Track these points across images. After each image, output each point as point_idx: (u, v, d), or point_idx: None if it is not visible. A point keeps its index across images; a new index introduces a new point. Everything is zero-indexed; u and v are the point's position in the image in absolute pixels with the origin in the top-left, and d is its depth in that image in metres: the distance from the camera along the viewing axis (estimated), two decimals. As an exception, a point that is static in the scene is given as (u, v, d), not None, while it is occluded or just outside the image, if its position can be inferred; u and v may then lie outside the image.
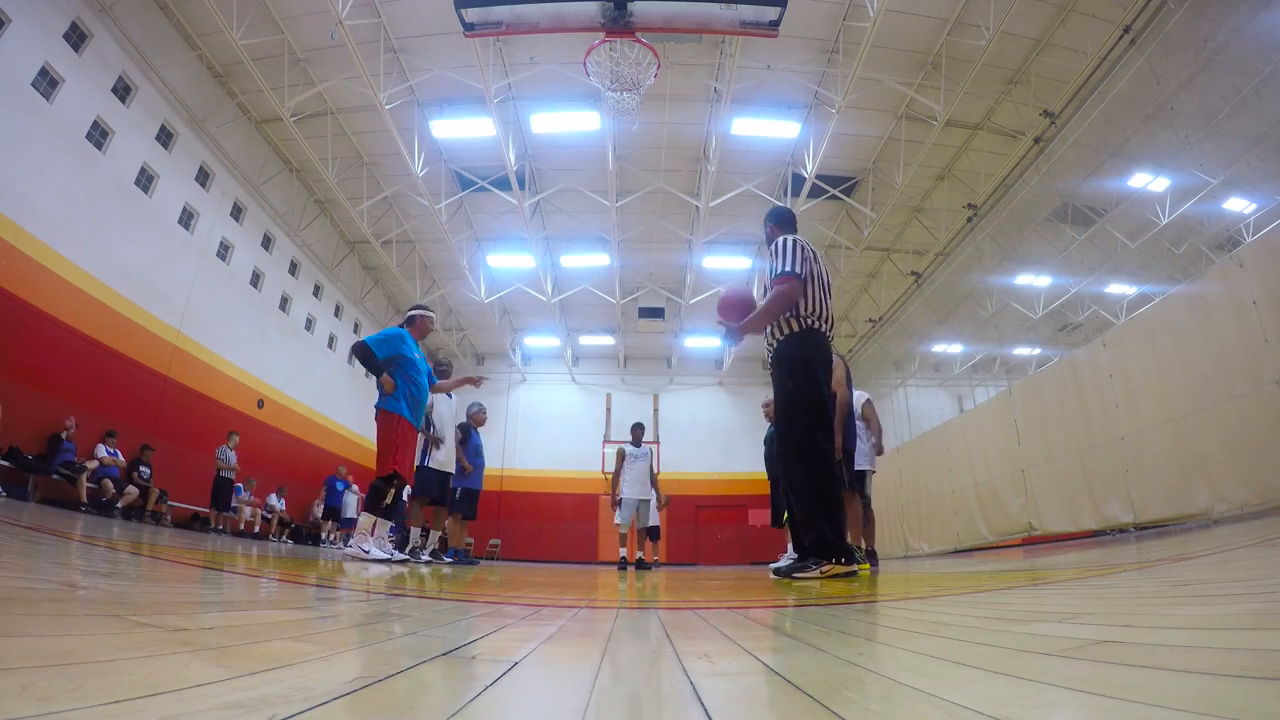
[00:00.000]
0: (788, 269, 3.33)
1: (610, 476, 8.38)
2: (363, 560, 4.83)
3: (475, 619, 1.48)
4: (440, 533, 7.23)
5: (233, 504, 10.91)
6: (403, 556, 5.51)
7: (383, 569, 4.09)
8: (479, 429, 7.62)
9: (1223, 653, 0.73)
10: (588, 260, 15.42)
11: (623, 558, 8.28)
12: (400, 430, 5.03)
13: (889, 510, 14.02)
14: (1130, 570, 2.52)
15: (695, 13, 7.10)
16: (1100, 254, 12.85)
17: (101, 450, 8.44)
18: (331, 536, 13.12)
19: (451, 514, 7.35)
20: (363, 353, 5.01)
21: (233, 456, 10.75)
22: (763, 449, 7.17)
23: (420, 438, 6.32)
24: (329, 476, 13.97)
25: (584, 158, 12.00)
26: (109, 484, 8.29)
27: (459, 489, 7.20)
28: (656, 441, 19.77)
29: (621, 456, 8.34)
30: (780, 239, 3.51)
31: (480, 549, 18.90)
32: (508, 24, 7.22)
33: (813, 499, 3.17)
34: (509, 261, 15.50)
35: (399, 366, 5.10)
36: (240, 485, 11.26)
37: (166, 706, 0.47)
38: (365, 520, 5.12)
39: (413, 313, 5.50)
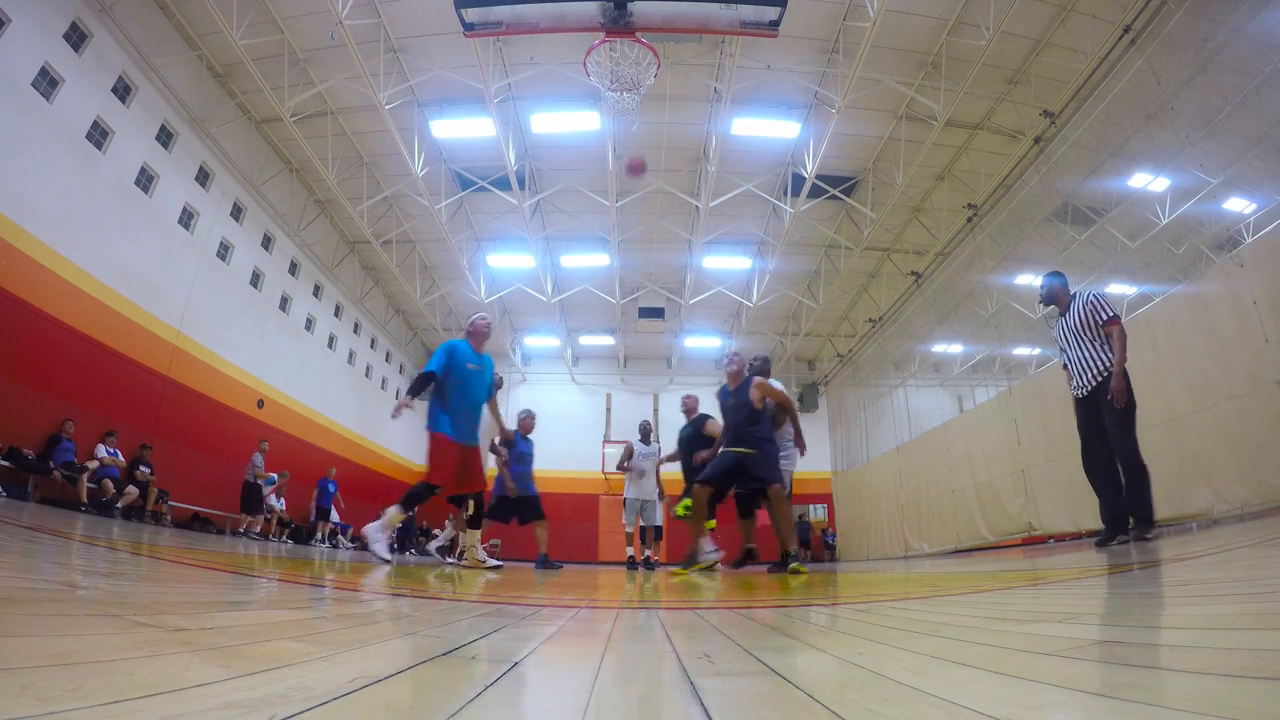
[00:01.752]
0: (1117, 313, 4.44)
1: (609, 475, 8.48)
2: (367, 552, 4.78)
3: (475, 619, 1.48)
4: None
5: (264, 509, 11.45)
6: (387, 557, 5.01)
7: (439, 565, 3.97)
8: (527, 435, 7.38)
9: (1223, 653, 0.73)
10: (588, 260, 15.42)
11: (630, 557, 8.25)
12: (439, 447, 4.86)
13: (889, 510, 14.03)
14: (1130, 570, 2.52)
15: (695, 13, 7.09)
16: (1100, 254, 12.85)
17: (101, 450, 8.44)
18: (324, 537, 13.09)
19: (525, 523, 7.12)
20: (415, 381, 4.93)
21: (263, 463, 11.39)
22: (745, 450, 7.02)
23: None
24: (321, 479, 13.81)
25: (584, 158, 12.00)
26: (109, 484, 8.28)
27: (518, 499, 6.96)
28: (657, 441, 19.72)
29: (630, 454, 8.36)
30: (1093, 294, 4.53)
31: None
32: (508, 24, 7.22)
33: (1145, 481, 4.20)
34: (509, 261, 15.50)
35: (448, 381, 4.98)
36: (276, 495, 11.89)
37: (166, 706, 0.47)
38: (393, 513, 4.78)
39: (469, 320, 5.42)
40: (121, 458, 8.69)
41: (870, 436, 16.11)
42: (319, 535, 13.24)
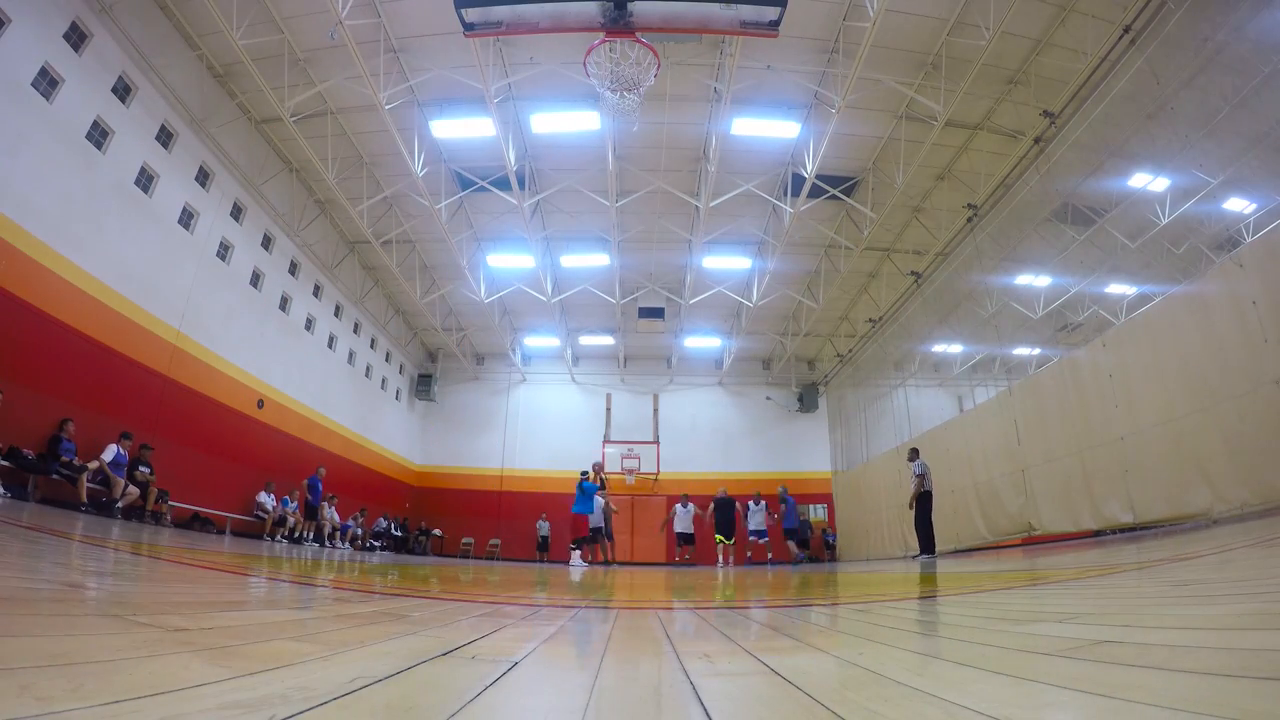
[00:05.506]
0: None
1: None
2: None
3: (475, 619, 1.47)
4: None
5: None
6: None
7: None
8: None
9: (1223, 653, 0.73)
10: (588, 260, 15.41)
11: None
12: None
13: (889, 510, 14.02)
14: (1130, 570, 2.52)
15: (695, 13, 7.09)
16: (1100, 254, 12.84)
17: (112, 451, 8.40)
18: (310, 535, 12.99)
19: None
20: None
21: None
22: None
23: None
24: (309, 477, 13.52)
25: (584, 158, 11.99)
26: (116, 479, 8.27)
27: None
28: (656, 441, 19.77)
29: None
30: None
31: (480, 548, 18.91)
32: (507, 24, 7.22)
33: None
34: (509, 261, 15.49)
35: None
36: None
37: (166, 706, 0.47)
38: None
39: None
40: (126, 459, 8.68)
41: (870, 436, 16.11)
42: (307, 534, 13.06)
